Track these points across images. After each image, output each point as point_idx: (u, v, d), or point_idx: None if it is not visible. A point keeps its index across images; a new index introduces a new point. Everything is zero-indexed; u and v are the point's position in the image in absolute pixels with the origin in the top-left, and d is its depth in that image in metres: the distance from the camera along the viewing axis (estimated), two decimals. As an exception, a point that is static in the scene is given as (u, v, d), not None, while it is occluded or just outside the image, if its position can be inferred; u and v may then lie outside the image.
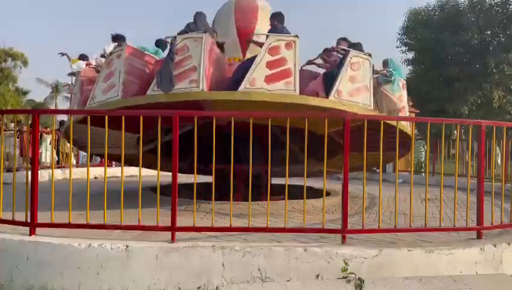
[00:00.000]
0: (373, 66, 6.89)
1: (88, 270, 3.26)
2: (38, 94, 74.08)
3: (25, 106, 37.58)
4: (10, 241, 3.46)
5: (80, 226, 3.69)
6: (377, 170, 11.77)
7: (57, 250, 3.35)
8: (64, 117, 14.14)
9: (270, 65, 5.48)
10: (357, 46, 6.31)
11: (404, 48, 28.33)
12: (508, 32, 24.82)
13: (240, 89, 5.35)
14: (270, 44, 5.55)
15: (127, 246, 3.30)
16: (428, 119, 4.43)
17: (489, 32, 25.72)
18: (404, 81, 7.14)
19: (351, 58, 5.88)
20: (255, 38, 6.56)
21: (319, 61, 7.02)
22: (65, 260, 3.31)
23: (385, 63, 6.99)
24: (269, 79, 5.43)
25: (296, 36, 5.66)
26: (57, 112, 10.69)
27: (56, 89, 44.47)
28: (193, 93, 5.41)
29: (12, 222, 3.74)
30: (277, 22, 6.23)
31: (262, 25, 7.29)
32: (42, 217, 3.67)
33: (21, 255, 3.38)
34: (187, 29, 6.07)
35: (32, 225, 3.63)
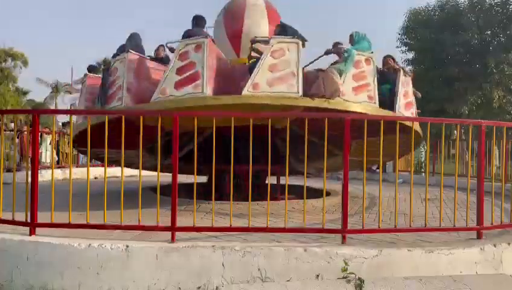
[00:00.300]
0: (338, 44, 6.44)
1: (88, 270, 3.26)
2: (38, 94, 74.11)
3: (25, 106, 37.52)
4: (10, 241, 3.46)
5: (80, 226, 3.69)
6: (377, 170, 11.78)
7: (57, 250, 3.35)
8: (66, 118, 14.20)
9: (179, 71, 5.54)
10: (286, 31, 5.93)
11: (404, 48, 28.33)
12: (508, 32, 24.81)
13: (152, 100, 5.51)
14: (180, 50, 5.62)
15: (127, 246, 3.30)
16: (428, 119, 4.43)
17: (489, 32, 25.71)
18: (371, 54, 6.31)
19: (272, 45, 5.59)
20: (169, 45, 6.71)
21: (255, 54, 6.77)
22: (65, 260, 3.31)
23: (350, 38, 6.48)
24: (178, 85, 5.48)
25: (206, 37, 5.64)
26: (57, 112, 10.70)
27: (56, 89, 44.41)
28: (117, 109, 5.78)
29: (12, 222, 3.74)
30: (196, 25, 6.35)
31: (252, 23, 7.41)
32: (42, 217, 3.67)
33: (21, 255, 3.38)
34: (118, 52, 6.50)
35: (32, 225, 3.63)
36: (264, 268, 3.28)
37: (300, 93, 5.45)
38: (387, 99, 6.49)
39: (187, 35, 5.95)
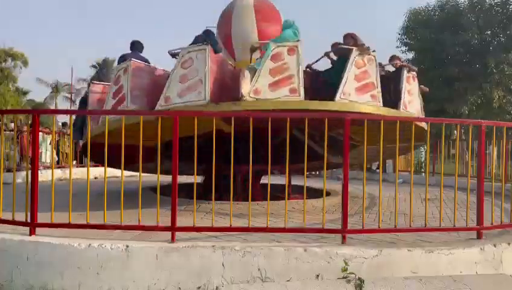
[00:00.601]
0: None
1: (88, 270, 3.26)
2: (38, 94, 74.04)
3: (25, 106, 37.59)
4: (10, 241, 3.46)
5: (80, 226, 3.69)
6: (377, 170, 11.78)
7: (57, 250, 3.35)
8: (66, 118, 14.18)
9: (114, 95, 5.98)
10: (200, 38, 5.81)
11: (404, 48, 28.33)
12: (508, 32, 24.81)
13: (99, 124, 6.01)
14: (114, 76, 6.14)
15: (127, 246, 3.30)
16: (428, 119, 4.44)
17: (489, 32, 25.71)
18: (296, 43, 5.61)
19: (182, 56, 5.53)
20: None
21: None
22: (65, 260, 3.31)
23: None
24: (114, 106, 5.91)
25: (130, 60, 5.92)
26: (57, 112, 10.63)
27: (56, 89, 44.49)
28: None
29: (12, 222, 3.74)
30: (135, 49, 6.80)
31: (239, 24, 7.55)
32: (42, 217, 3.67)
33: (21, 255, 3.38)
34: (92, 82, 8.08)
35: (32, 225, 3.63)
36: (264, 268, 3.28)
37: (207, 99, 5.31)
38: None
39: (123, 60, 6.37)
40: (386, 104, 6.04)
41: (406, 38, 27.89)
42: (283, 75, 5.50)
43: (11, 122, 9.97)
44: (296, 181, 7.49)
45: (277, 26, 7.55)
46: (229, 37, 7.68)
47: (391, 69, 7.25)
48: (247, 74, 5.45)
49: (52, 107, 40.79)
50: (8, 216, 3.79)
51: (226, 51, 7.76)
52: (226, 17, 7.80)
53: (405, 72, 6.79)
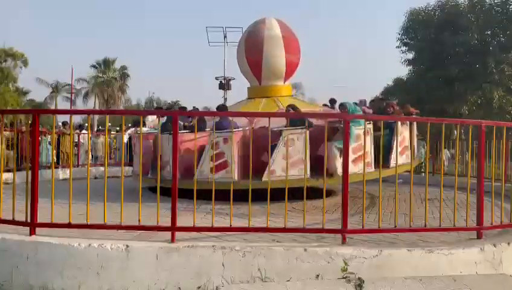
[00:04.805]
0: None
1: (88, 270, 3.27)
2: (38, 94, 74.07)
3: (25, 106, 37.57)
4: (10, 241, 3.47)
5: (80, 226, 3.69)
6: (377, 170, 11.71)
7: (57, 250, 3.35)
8: (66, 118, 14.17)
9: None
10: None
11: (404, 48, 28.31)
12: (508, 32, 24.79)
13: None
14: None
15: (127, 246, 3.30)
16: (428, 119, 4.43)
17: (489, 32, 25.68)
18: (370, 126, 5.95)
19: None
20: None
21: None
22: (65, 260, 3.31)
23: None
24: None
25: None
26: (57, 112, 10.64)
27: (56, 89, 44.46)
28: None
29: (12, 222, 3.74)
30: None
31: (269, 54, 8.52)
32: (42, 217, 3.67)
33: (21, 255, 3.38)
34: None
35: (32, 225, 3.63)
36: (264, 268, 3.29)
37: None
38: None
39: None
40: None
41: (406, 38, 27.88)
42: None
43: (11, 123, 9.96)
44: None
45: (298, 55, 8.80)
46: (259, 62, 8.50)
47: None
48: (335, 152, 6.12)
49: (52, 107, 40.76)
50: (8, 216, 3.79)
51: (253, 76, 8.72)
52: (256, 45, 8.55)
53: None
